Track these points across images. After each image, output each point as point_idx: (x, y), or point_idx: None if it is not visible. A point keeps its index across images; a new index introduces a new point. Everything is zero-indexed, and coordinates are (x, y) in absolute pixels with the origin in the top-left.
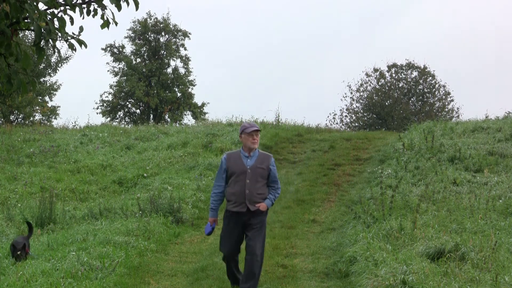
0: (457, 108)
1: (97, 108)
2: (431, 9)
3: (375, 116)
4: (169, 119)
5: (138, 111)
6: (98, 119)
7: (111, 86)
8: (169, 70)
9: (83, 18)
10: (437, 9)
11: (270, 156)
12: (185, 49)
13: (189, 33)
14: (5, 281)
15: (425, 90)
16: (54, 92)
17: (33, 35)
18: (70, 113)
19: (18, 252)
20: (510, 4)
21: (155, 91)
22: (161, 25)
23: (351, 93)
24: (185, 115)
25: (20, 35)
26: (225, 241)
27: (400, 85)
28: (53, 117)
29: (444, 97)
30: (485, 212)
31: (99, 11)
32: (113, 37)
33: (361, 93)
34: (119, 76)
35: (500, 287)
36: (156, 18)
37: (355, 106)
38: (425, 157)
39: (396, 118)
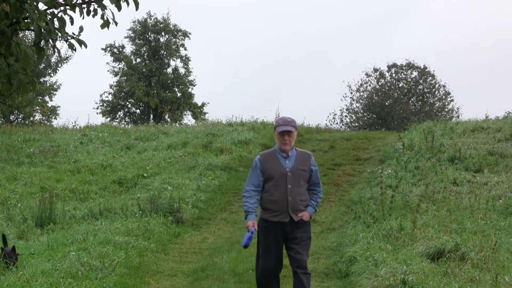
0: (457, 108)
1: (97, 108)
2: (431, 10)
3: (375, 116)
4: (169, 119)
5: (138, 111)
6: (98, 119)
7: (111, 86)
8: (169, 70)
9: (83, 18)
10: (438, 9)
11: (310, 155)
12: (185, 49)
13: (189, 33)
14: (5, 281)
15: (425, 90)
16: (54, 92)
17: (33, 35)
18: (70, 113)
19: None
20: (510, 4)
21: (155, 91)
22: (161, 25)
23: (351, 93)
24: (185, 115)
25: (20, 35)
26: (268, 253)
27: (400, 85)
28: (53, 117)
29: (444, 97)
30: (485, 212)
31: (99, 11)
32: (113, 37)
33: (361, 93)
34: (119, 76)
35: (500, 287)
36: (156, 18)
37: (355, 106)
38: (425, 157)
39: (396, 118)
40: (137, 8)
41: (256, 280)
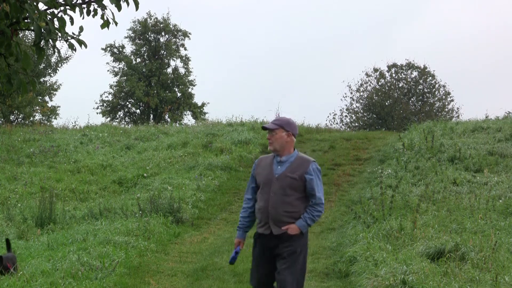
0: (457, 108)
1: (97, 108)
2: (432, 11)
3: (375, 116)
4: (169, 119)
5: (138, 111)
6: (98, 119)
7: (111, 86)
8: (169, 70)
9: (83, 18)
10: (438, 10)
11: (309, 162)
12: (185, 49)
13: (189, 33)
14: (5, 281)
15: (425, 90)
16: (54, 92)
17: (33, 35)
18: (70, 113)
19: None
20: (510, 5)
21: (155, 91)
22: (161, 25)
23: (351, 93)
24: (185, 115)
25: (20, 35)
26: (253, 271)
27: (400, 85)
28: (53, 117)
29: (444, 97)
30: (485, 212)
31: (99, 11)
32: (113, 37)
33: (361, 93)
34: (119, 76)
35: (500, 287)
36: (156, 18)
37: (355, 106)
38: (425, 157)
39: (396, 118)
40: (137, 8)
41: None
